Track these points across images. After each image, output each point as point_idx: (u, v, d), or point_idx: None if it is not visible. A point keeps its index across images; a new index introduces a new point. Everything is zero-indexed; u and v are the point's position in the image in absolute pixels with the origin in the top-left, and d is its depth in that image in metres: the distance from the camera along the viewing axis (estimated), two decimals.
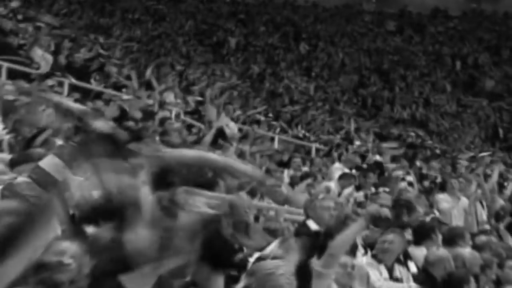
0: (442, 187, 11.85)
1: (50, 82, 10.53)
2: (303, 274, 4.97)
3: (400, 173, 12.00)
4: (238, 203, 6.69)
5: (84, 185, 5.90)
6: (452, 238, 8.04)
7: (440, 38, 32.26)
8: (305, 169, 12.46)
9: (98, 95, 12.64)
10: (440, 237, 8.10)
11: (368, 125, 22.11)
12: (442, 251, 7.36)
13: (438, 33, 32.67)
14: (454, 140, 24.42)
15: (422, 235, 8.02)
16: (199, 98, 15.73)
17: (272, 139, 16.18)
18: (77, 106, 5.58)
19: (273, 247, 5.24)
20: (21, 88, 9.93)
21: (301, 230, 6.89)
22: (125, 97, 11.89)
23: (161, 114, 12.33)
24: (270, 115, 19.13)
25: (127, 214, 3.46)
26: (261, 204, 9.10)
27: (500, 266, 7.94)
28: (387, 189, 10.47)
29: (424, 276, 7.12)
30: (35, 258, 2.62)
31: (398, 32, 32.54)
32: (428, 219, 9.32)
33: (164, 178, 7.15)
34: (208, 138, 11.47)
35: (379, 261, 6.95)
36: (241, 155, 11.35)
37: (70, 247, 4.04)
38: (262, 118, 17.71)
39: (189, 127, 13.24)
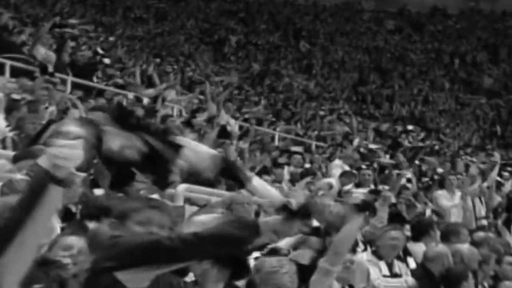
0: (441, 184, 11.92)
1: (53, 79, 10.57)
2: (307, 272, 4.98)
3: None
4: (239, 199, 6.72)
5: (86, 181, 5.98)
6: (449, 234, 8.09)
7: (439, 36, 32.33)
8: (306, 165, 12.49)
9: (101, 93, 12.70)
10: (438, 233, 8.15)
11: (368, 123, 22.13)
12: (440, 247, 7.34)
13: (437, 31, 32.74)
14: (452, 137, 24.48)
15: (420, 231, 8.07)
16: (200, 96, 15.77)
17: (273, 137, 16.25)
18: None
19: (290, 242, 5.24)
20: (24, 86, 9.98)
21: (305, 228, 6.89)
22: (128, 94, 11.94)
23: (163, 112, 12.38)
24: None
25: None
26: (261, 200, 9.13)
27: (498, 261, 7.95)
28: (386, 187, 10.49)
29: (423, 272, 7.14)
30: (37, 253, 2.64)
31: (397, 31, 32.60)
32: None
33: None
34: (212, 135, 11.49)
35: (379, 257, 6.99)
36: (240, 153, 11.40)
37: (78, 241, 4.12)
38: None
39: (190, 124, 13.26)
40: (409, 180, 11.45)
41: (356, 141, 15.92)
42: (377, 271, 6.83)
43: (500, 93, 29.24)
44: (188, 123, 11.71)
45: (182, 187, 7.49)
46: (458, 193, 11.44)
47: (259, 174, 10.12)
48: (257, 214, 7.74)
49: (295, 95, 24.18)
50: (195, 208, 6.63)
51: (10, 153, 7.07)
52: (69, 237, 4.19)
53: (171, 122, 11.19)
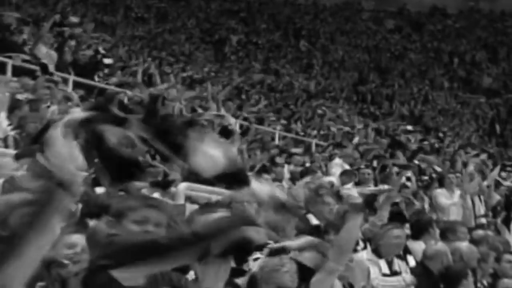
0: (440, 182, 11.94)
1: (54, 78, 10.60)
2: (308, 272, 5.00)
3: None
4: (239, 198, 6.74)
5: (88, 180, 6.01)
6: (446, 232, 8.13)
7: (439, 36, 32.38)
8: (307, 164, 12.50)
9: (102, 92, 12.71)
10: (437, 231, 8.19)
11: (368, 122, 22.17)
12: (440, 245, 7.37)
13: (436, 31, 32.78)
14: (451, 136, 24.51)
15: (420, 229, 8.10)
16: (201, 95, 15.77)
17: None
18: None
19: (299, 243, 5.25)
20: (26, 85, 10.02)
21: (301, 224, 6.92)
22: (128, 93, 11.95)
23: (164, 111, 12.38)
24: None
25: None
26: (261, 198, 9.13)
27: (497, 259, 7.99)
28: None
29: (422, 270, 7.15)
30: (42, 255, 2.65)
31: (397, 30, 32.64)
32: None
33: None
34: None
35: (379, 256, 7.01)
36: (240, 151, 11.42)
37: (81, 239, 4.11)
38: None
39: (192, 123, 13.24)
40: (408, 179, 11.47)
41: (355, 140, 15.96)
42: (377, 270, 6.85)
43: (499, 92, 29.30)
44: (190, 123, 11.70)
45: (183, 186, 7.52)
46: (457, 192, 11.46)
47: (259, 172, 10.16)
48: (257, 212, 7.73)
49: (295, 94, 24.22)
50: (195, 207, 6.65)
51: (12, 151, 7.11)
52: (73, 236, 4.19)
53: (172, 121, 11.18)
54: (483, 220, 11.05)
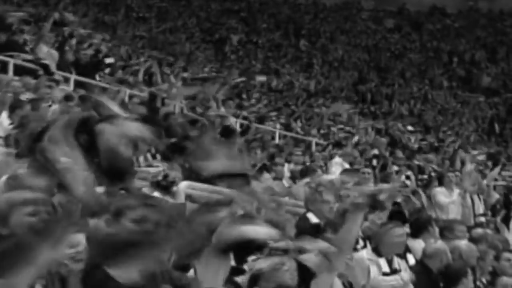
0: (440, 181, 11.96)
1: (56, 77, 10.65)
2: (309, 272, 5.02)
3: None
4: (239, 196, 6.74)
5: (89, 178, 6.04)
6: (444, 230, 8.16)
7: (438, 35, 32.42)
8: (307, 163, 12.52)
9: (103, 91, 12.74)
10: (437, 229, 8.21)
11: (368, 121, 22.22)
12: (439, 244, 7.38)
13: (435, 30, 32.82)
14: (451, 135, 24.55)
15: (419, 227, 8.12)
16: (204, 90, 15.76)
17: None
18: None
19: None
20: (28, 84, 10.07)
21: (302, 223, 6.94)
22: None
23: (165, 109, 12.42)
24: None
25: None
26: (262, 196, 9.16)
27: (496, 258, 8.02)
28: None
29: (421, 268, 7.15)
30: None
31: (397, 30, 32.68)
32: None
33: None
34: (209, 134, 11.51)
35: (379, 254, 7.03)
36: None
37: (83, 238, 4.17)
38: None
39: (193, 122, 13.29)
40: (408, 177, 11.51)
41: (355, 139, 16.01)
42: (377, 269, 6.86)
43: (499, 91, 29.33)
44: (192, 122, 11.75)
45: (183, 185, 7.56)
46: (456, 190, 11.50)
47: (259, 171, 10.19)
48: (258, 210, 7.77)
49: (295, 93, 24.27)
50: (196, 206, 6.67)
51: (13, 150, 7.14)
52: (74, 235, 4.24)
53: (173, 119, 11.23)
54: (482, 219, 11.08)
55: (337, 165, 12.05)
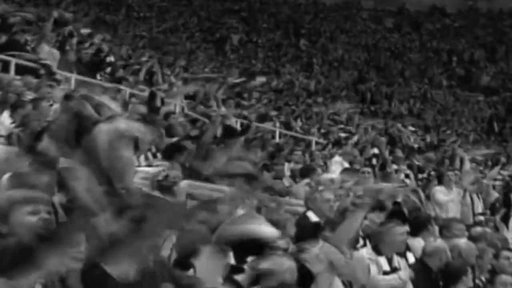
0: (439, 180, 11.98)
1: (57, 77, 10.68)
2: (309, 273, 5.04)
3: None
4: (239, 195, 6.76)
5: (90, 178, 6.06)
6: (442, 229, 8.18)
7: (437, 34, 32.44)
8: (307, 163, 12.53)
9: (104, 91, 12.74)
10: (436, 228, 8.23)
11: (368, 120, 22.25)
12: (439, 242, 7.37)
13: (435, 30, 32.84)
14: (450, 134, 24.58)
15: (419, 226, 8.13)
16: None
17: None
18: None
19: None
20: (29, 84, 10.09)
21: (302, 222, 6.95)
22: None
23: (165, 109, 12.45)
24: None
25: None
26: (262, 195, 9.17)
27: (496, 256, 8.04)
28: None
29: (421, 266, 7.14)
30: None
31: (396, 29, 32.70)
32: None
33: None
34: (210, 133, 11.51)
35: (379, 253, 7.04)
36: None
37: (83, 238, 4.20)
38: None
39: (193, 121, 13.32)
40: (407, 176, 11.52)
41: (355, 138, 16.04)
42: (376, 268, 6.87)
43: (498, 90, 29.36)
44: (193, 121, 11.79)
45: (184, 183, 7.58)
46: (455, 189, 11.52)
47: (260, 170, 10.20)
48: (258, 210, 7.81)
49: (295, 92, 24.31)
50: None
51: (15, 149, 7.16)
52: (76, 235, 4.26)
53: (173, 119, 11.26)
54: (482, 218, 11.10)
55: (337, 164, 12.06)
